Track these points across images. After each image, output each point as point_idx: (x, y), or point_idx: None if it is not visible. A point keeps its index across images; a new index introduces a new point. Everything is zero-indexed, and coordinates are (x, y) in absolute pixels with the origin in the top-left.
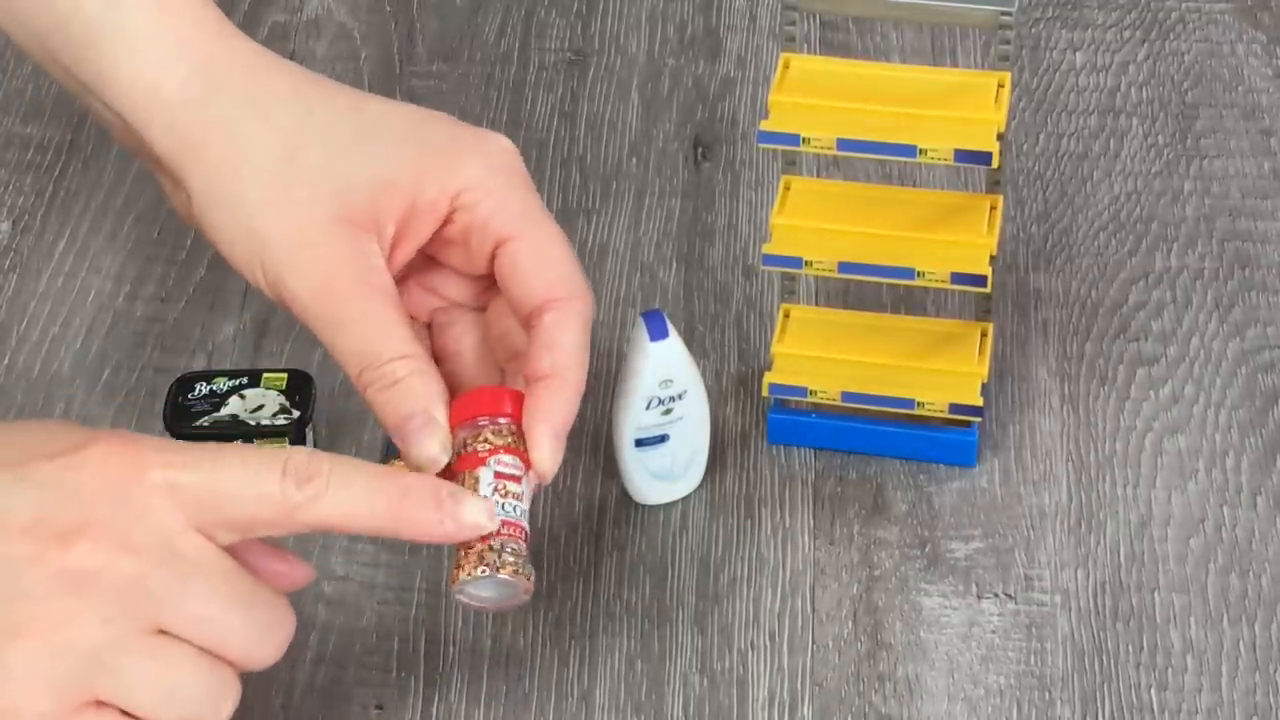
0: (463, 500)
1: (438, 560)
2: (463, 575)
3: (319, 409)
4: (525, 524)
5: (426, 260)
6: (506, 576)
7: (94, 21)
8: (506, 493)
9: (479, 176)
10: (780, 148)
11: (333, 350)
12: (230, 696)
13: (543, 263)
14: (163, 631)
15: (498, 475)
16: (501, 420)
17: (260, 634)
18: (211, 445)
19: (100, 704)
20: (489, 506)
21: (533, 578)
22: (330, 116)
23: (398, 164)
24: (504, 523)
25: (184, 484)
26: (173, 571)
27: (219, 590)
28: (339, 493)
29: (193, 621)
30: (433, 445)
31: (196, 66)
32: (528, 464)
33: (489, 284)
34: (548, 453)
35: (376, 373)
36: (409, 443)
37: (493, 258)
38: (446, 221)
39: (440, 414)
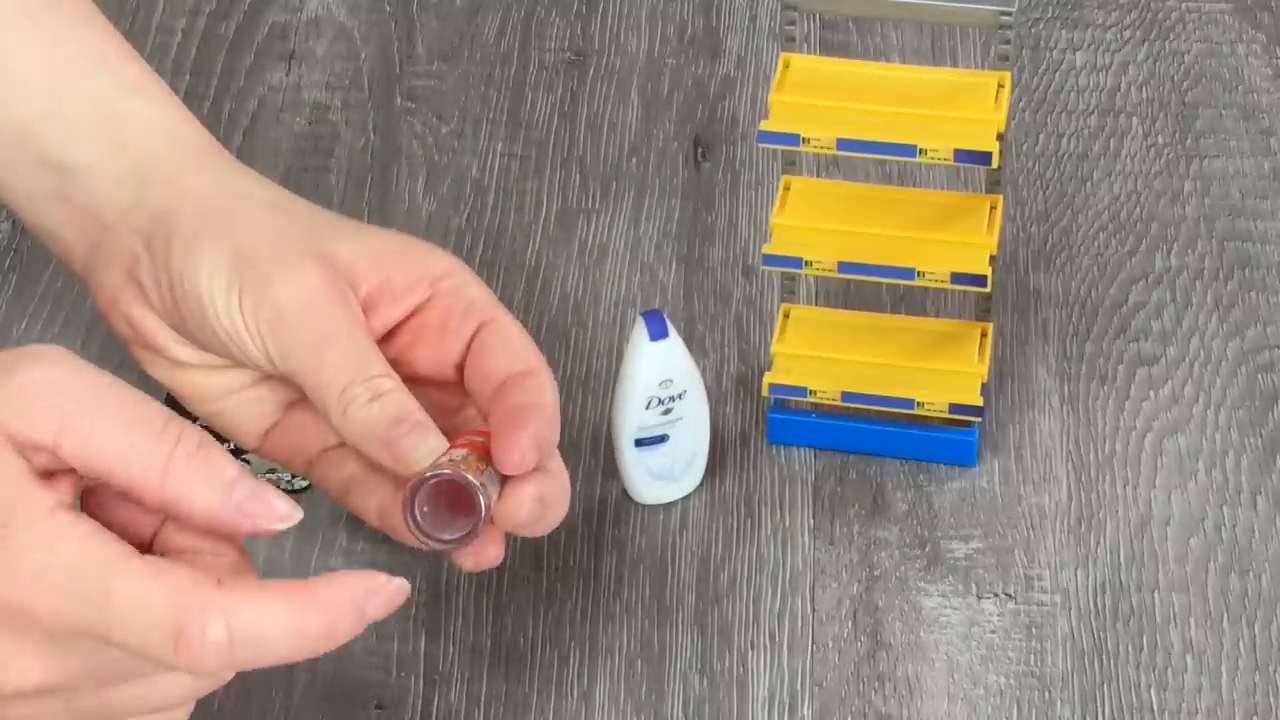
0: (377, 582)
1: (438, 560)
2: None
3: None
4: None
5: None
6: (470, 477)
7: (113, 108)
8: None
9: (456, 266)
10: (780, 148)
11: (315, 369)
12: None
13: (519, 340)
14: None
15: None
16: (477, 439)
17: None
18: (108, 577)
19: None
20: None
21: (492, 504)
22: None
23: (381, 242)
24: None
25: (69, 628)
26: (107, 659)
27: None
28: (244, 665)
29: (152, 671)
30: (427, 444)
31: (203, 148)
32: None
33: (456, 386)
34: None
35: (363, 386)
36: (398, 444)
37: (470, 340)
38: (423, 306)
39: (432, 424)
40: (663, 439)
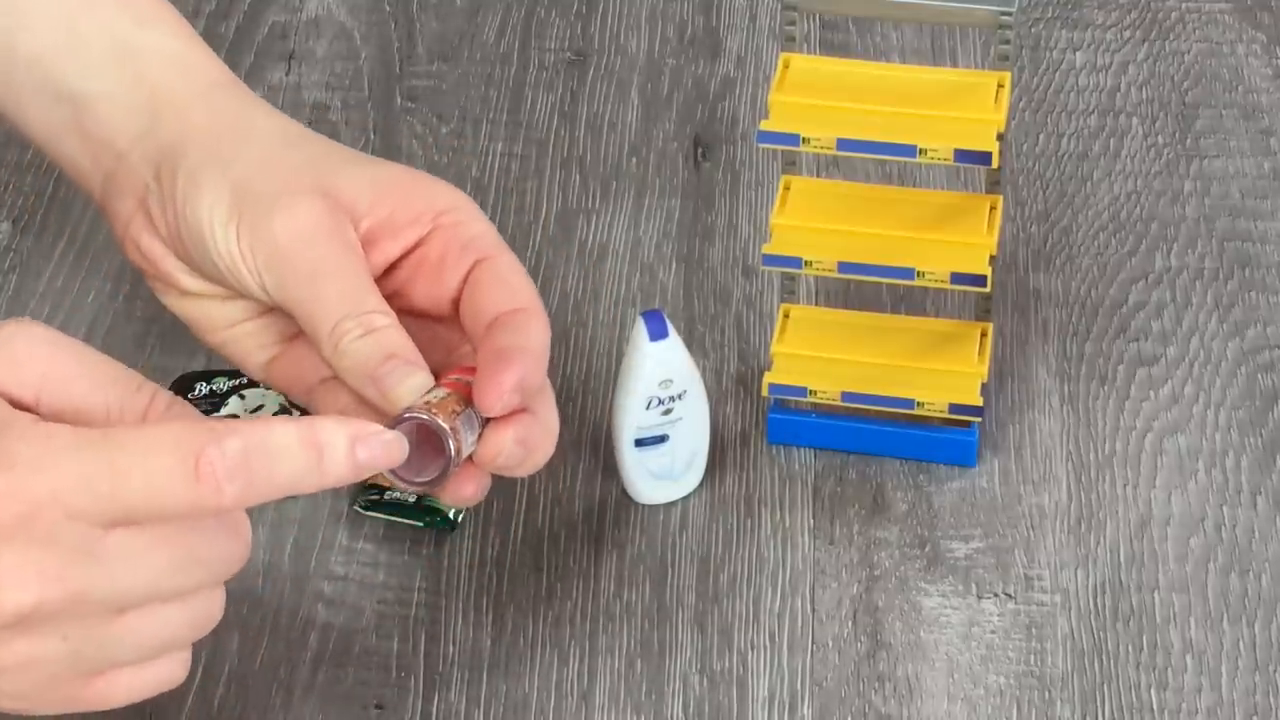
0: (369, 429)
1: (438, 560)
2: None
3: None
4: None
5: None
6: (441, 421)
7: (126, 39)
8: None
9: (461, 201)
10: (780, 148)
11: (311, 301)
12: (216, 606)
13: (514, 277)
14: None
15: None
16: (464, 378)
17: (215, 570)
18: (110, 438)
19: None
20: (400, 443)
21: (464, 448)
22: (328, 139)
23: (387, 176)
24: (438, 406)
25: (84, 508)
26: (104, 574)
27: (156, 571)
28: (261, 489)
29: (147, 600)
30: (414, 383)
31: (217, 81)
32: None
33: (455, 321)
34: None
35: (355, 321)
36: (385, 380)
37: (465, 276)
38: (424, 241)
39: (422, 363)
40: (663, 439)
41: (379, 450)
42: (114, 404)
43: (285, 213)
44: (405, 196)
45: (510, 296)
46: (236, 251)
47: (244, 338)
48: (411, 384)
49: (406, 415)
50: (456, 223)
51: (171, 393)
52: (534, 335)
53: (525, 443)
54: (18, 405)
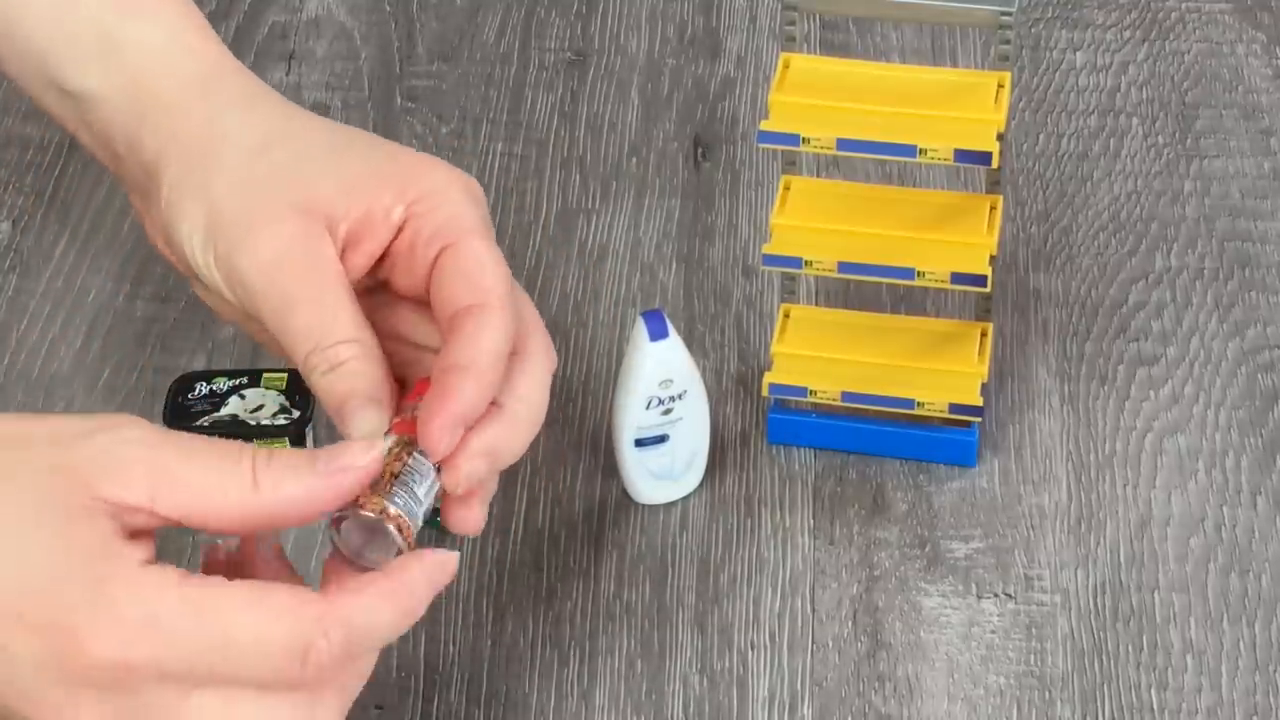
0: (439, 560)
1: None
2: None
3: (319, 409)
4: (414, 518)
5: (390, 300)
6: (381, 520)
7: (112, 32)
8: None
9: (438, 185)
10: (780, 148)
11: (283, 333)
12: None
13: (474, 265)
14: None
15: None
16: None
17: None
18: (219, 607)
19: None
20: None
21: (415, 524)
22: (307, 125)
23: (361, 170)
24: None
25: (179, 675)
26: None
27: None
28: (358, 654)
29: None
30: (368, 421)
31: (199, 74)
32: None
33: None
34: (446, 444)
35: (322, 355)
36: (346, 421)
37: (432, 264)
38: (402, 229)
39: (382, 396)
40: (663, 439)
41: (445, 581)
42: (217, 482)
43: (253, 247)
44: (378, 192)
45: (468, 289)
46: (219, 281)
47: (263, 332)
48: (369, 425)
49: (350, 512)
50: (429, 210)
51: (268, 449)
52: (486, 339)
53: (492, 452)
54: (129, 509)
